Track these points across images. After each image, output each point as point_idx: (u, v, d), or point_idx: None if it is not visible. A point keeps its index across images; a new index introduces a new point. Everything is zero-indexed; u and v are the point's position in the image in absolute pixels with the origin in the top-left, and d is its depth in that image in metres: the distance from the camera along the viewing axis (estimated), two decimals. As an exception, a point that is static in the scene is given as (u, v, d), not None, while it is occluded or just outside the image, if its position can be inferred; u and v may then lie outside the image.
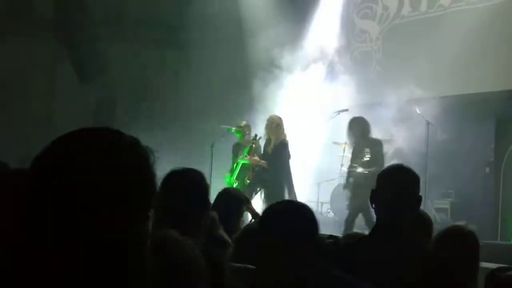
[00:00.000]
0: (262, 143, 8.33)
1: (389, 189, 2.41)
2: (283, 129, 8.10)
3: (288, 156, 8.09)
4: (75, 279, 0.91)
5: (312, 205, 9.83)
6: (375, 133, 9.47)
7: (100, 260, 0.93)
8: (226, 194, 4.17)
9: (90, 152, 0.97)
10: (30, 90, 11.55)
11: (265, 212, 2.13)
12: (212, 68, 11.48)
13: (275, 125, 8.08)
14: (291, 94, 9.99)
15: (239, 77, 10.88)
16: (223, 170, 8.65)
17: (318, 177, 9.67)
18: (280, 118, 8.21)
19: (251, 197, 8.15)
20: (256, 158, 8.07)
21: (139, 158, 1.00)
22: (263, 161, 8.01)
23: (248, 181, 8.18)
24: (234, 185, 8.20)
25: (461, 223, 8.37)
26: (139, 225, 0.97)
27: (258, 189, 8.21)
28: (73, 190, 0.93)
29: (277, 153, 8.02)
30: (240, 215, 4.18)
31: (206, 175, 8.62)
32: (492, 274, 2.36)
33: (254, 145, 8.20)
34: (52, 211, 0.93)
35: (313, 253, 1.97)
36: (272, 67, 10.12)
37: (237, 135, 8.50)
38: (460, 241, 2.96)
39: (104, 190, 0.94)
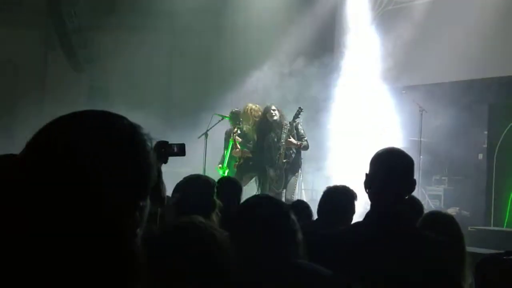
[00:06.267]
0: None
1: (384, 173, 2.38)
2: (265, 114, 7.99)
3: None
4: (63, 268, 0.89)
5: (306, 193, 9.80)
6: (368, 121, 9.50)
7: (90, 249, 0.90)
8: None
9: (87, 136, 0.94)
10: (21, 78, 11.50)
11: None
12: (206, 57, 11.44)
13: (251, 112, 8.13)
14: (284, 84, 9.97)
15: (233, 67, 10.83)
16: (217, 157, 8.64)
17: (312, 165, 9.68)
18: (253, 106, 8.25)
19: (241, 180, 8.12)
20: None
21: (137, 146, 0.97)
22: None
23: (234, 169, 8.21)
24: (226, 172, 8.20)
25: (454, 209, 8.43)
26: (129, 215, 0.95)
27: (253, 175, 8.20)
28: (66, 175, 0.91)
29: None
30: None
31: (200, 164, 8.56)
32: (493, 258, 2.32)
33: (243, 131, 8.23)
34: (42, 197, 0.90)
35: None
36: (266, 57, 10.09)
37: (230, 122, 8.50)
38: (441, 226, 2.99)
39: (98, 177, 0.91)
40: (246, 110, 8.26)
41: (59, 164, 0.91)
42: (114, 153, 0.94)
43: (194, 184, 3.52)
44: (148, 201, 0.98)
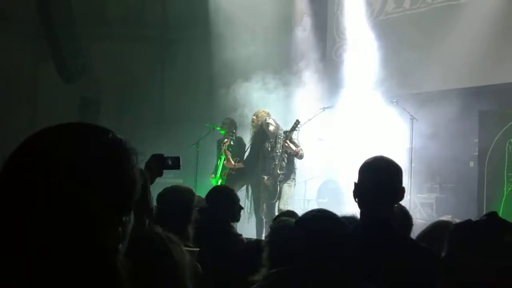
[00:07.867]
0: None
1: (372, 181, 2.38)
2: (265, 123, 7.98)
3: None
4: (46, 277, 0.87)
5: (298, 203, 9.76)
6: (360, 129, 9.52)
7: (72, 263, 0.88)
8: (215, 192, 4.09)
9: (70, 149, 0.92)
10: (13, 90, 11.46)
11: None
12: (197, 67, 11.44)
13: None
14: (276, 93, 9.98)
15: (224, 76, 10.84)
16: (209, 168, 8.62)
17: (304, 174, 9.66)
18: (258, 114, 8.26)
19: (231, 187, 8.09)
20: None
21: (121, 161, 0.95)
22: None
23: (224, 177, 8.21)
24: (219, 182, 8.19)
25: (446, 217, 8.42)
26: (112, 230, 0.93)
27: (242, 184, 8.18)
28: (45, 188, 0.89)
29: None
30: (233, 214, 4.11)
31: (192, 174, 8.52)
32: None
33: (231, 142, 8.23)
34: (25, 209, 0.88)
35: None
36: (256, 67, 10.09)
37: (222, 132, 8.49)
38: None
39: (79, 191, 0.89)
40: (257, 114, 8.22)
41: (38, 176, 0.89)
42: (97, 168, 0.92)
43: (172, 195, 3.50)
44: (132, 216, 0.96)
